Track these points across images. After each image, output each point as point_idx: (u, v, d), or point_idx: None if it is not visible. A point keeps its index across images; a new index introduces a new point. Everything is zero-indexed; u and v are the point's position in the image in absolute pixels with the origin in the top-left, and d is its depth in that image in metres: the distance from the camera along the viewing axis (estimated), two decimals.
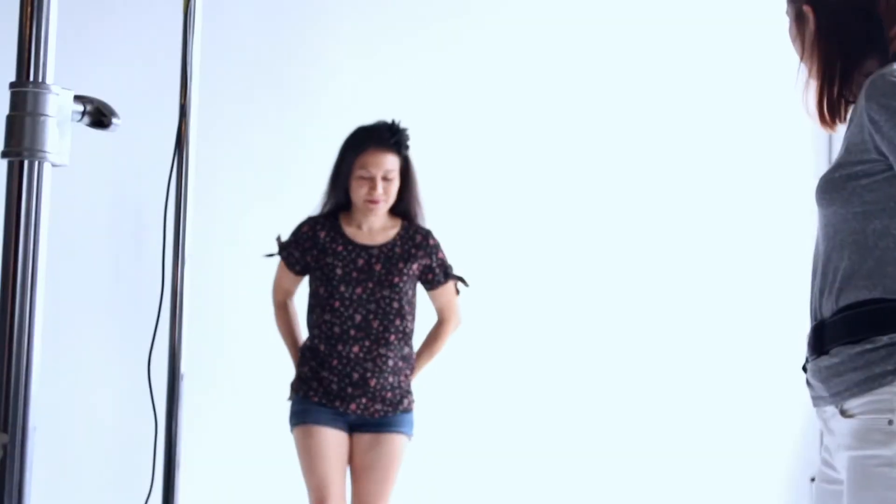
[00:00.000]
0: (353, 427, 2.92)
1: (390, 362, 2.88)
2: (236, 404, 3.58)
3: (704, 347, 4.34)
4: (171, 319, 2.12)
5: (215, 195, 3.51)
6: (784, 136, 4.51)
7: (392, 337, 2.88)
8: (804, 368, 1.88)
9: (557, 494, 3.98)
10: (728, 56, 4.49)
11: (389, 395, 2.90)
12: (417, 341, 3.07)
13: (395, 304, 2.87)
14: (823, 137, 4.65)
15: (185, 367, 2.12)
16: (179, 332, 2.12)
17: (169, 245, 2.14)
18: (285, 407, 3.59)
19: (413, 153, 3.07)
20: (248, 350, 3.60)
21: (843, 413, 1.72)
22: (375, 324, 2.87)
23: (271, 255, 3.06)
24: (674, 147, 4.34)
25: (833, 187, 1.74)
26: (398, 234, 2.94)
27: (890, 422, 1.65)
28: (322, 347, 2.91)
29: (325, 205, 3.02)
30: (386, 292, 2.87)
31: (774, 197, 4.56)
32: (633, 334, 4.15)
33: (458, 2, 4.04)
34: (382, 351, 2.87)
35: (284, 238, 3.04)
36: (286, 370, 3.62)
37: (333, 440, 2.93)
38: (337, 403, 2.91)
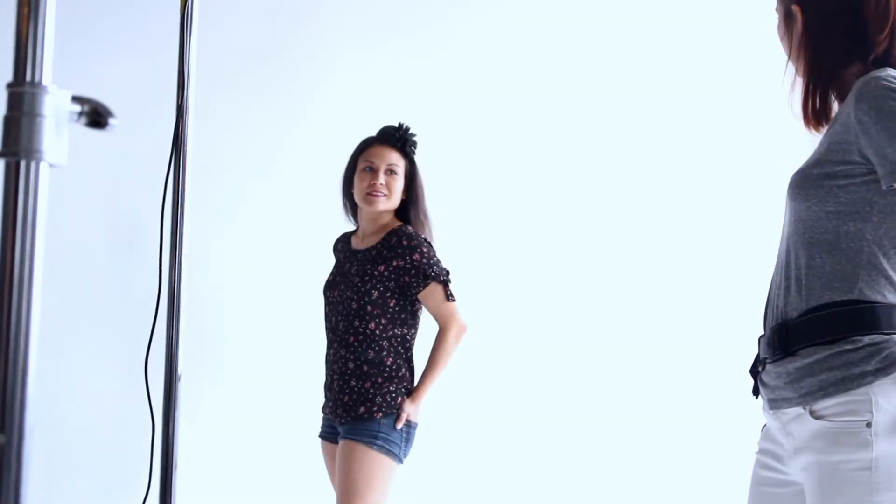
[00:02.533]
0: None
1: (350, 364, 2.81)
2: (233, 405, 3.58)
3: (687, 339, 4.34)
4: (167, 320, 2.12)
5: (212, 195, 3.51)
6: (778, 141, 4.51)
7: (351, 339, 2.81)
8: (754, 371, 1.85)
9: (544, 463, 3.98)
10: (720, 56, 4.49)
11: (346, 398, 2.81)
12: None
13: (353, 305, 2.80)
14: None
15: (182, 367, 2.11)
16: (176, 333, 2.12)
17: (166, 245, 2.14)
18: (281, 407, 3.59)
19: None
20: (245, 351, 3.60)
21: (812, 413, 1.68)
22: (340, 326, 2.84)
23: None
24: (671, 150, 4.34)
25: (810, 183, 1.73)
26: (383, 237, 2.88)
27: (868, 423, 1.62)
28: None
29: (349, 216, 3.06)
30: (349, 293, 2.83)
31: (771, 198, 4.56)
32: (617, 331, 4.15)
33: (457, 1, 4.04)
34: (342, 353, 2.82)
35: None
36: (283, 371, 3.62)
37: (329, 453, 2.96)
38: (324, 409, 2.95)
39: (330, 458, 2.94)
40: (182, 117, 2.12)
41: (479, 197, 3.95)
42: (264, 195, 3.66)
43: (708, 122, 4.42)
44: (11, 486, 0.98)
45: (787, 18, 1.86)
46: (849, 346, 1.67)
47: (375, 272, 2.81)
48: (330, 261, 3.11)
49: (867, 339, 1.66)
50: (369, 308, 2.81)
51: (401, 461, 2.84)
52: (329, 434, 2.95)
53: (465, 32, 4.04)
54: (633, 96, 4.26)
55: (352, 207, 3.04)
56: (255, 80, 3.67)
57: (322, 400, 2.99)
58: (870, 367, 1.64)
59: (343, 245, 3.01)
